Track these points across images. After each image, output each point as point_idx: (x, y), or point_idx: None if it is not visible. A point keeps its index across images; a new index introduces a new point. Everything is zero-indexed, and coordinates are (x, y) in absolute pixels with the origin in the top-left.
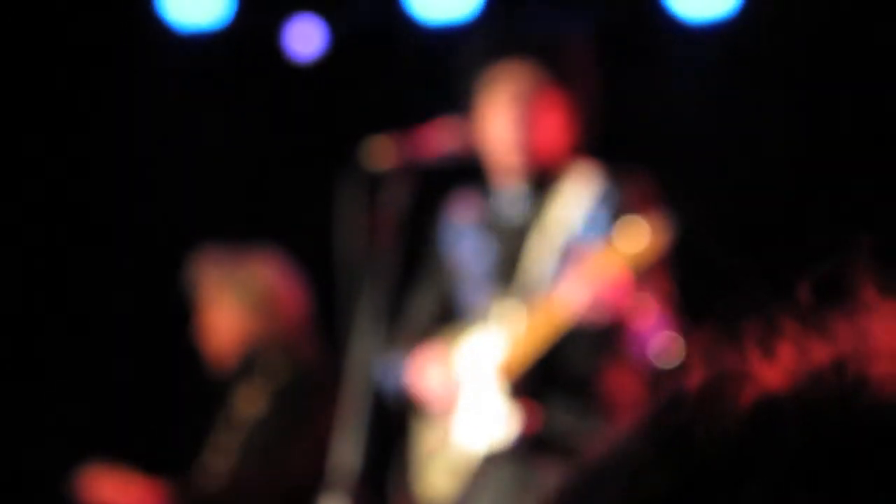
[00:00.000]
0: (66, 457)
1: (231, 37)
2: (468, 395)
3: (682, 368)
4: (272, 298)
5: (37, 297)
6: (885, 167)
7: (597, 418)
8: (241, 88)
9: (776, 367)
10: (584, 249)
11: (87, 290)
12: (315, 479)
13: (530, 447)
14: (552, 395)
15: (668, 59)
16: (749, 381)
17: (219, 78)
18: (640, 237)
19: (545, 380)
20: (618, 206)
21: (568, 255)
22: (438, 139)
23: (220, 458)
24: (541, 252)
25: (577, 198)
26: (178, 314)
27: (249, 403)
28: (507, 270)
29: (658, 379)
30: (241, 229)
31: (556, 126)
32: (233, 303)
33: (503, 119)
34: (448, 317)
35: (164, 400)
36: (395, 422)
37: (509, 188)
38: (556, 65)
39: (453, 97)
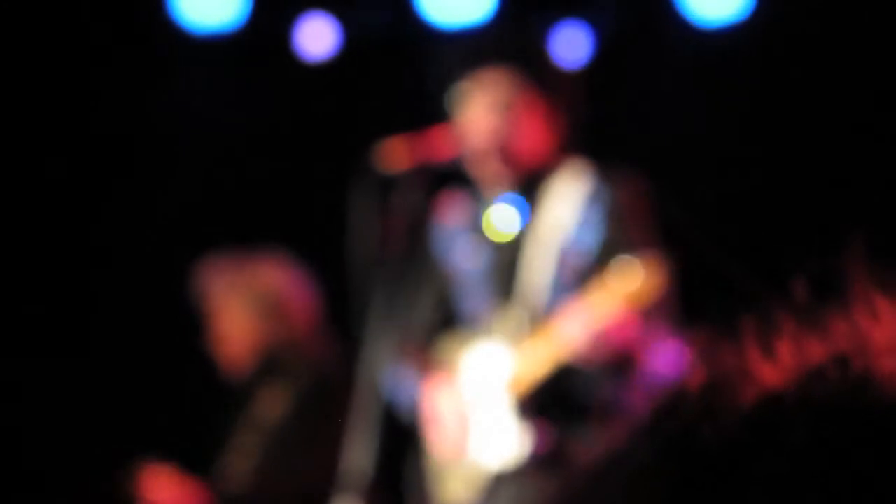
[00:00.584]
0: (83, 457)
1: (244, 38)
2: (479, 411)
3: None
4: (281, 302)
5: (43, 307)
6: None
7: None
8: (253, 90)
9: (776, 365)
10: (579, 260)
11: (96, 294)
12: (333, 480)
13: (541, 466)
14: (563, 414)
15: (680, 60)
16: (750, 380)
17: (231, 79)
18: (636, 276)
19: (556, 399)
20: (609, 205)
21: (564, 260)
22: (451, 142)
23: (243, 459)
24: (537, 258)
25: (567, 199)
26: (189, 320)
27: (271, 405)
28: (503, 278)
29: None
30: (253, 231)
31: (536, 131)
32: (243, 308)
33: (482, 128)
34: (449, 322)
35: (179, 404)
36: (407, 426)
37: (498, 195)
38: (531, 69)
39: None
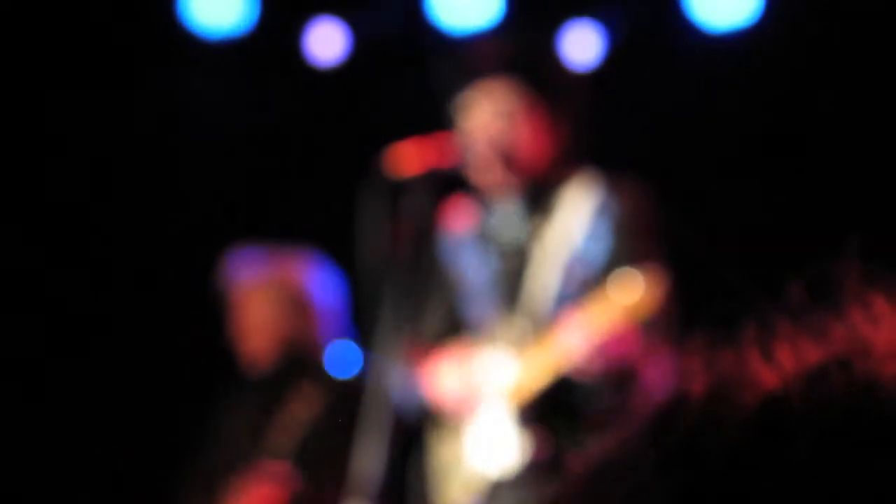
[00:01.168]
0: (93, 458)
1: (254, 43)
2: (480, 417)
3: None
4: (308, 299)
5: (59, 302)
6: None
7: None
8: (263, 94)
9: (776, 369)
10: (585, 271)
11: (107, 291)
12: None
13: (540, 474)
14: (562, 423)
15: (688, 66)
16: (750, 385)
17: (241, 83)
18: (636, 288)
19: (555, 408)
20: (617, 217)
21: (571, 272)
22: (459, 148)
23: (275, 459)
24: (543, 269)
25: (576, 210)
26: (208, 316)
27: (304, 405)
28: (509, 287)
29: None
30: (261, 236)
31: (540, 139)
32: (267, 303)
33: (485, 136)
34: (455, 329)
35: (196, 398)
36: (413, 430)
37: (504, 204)
38: (535, 78)
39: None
